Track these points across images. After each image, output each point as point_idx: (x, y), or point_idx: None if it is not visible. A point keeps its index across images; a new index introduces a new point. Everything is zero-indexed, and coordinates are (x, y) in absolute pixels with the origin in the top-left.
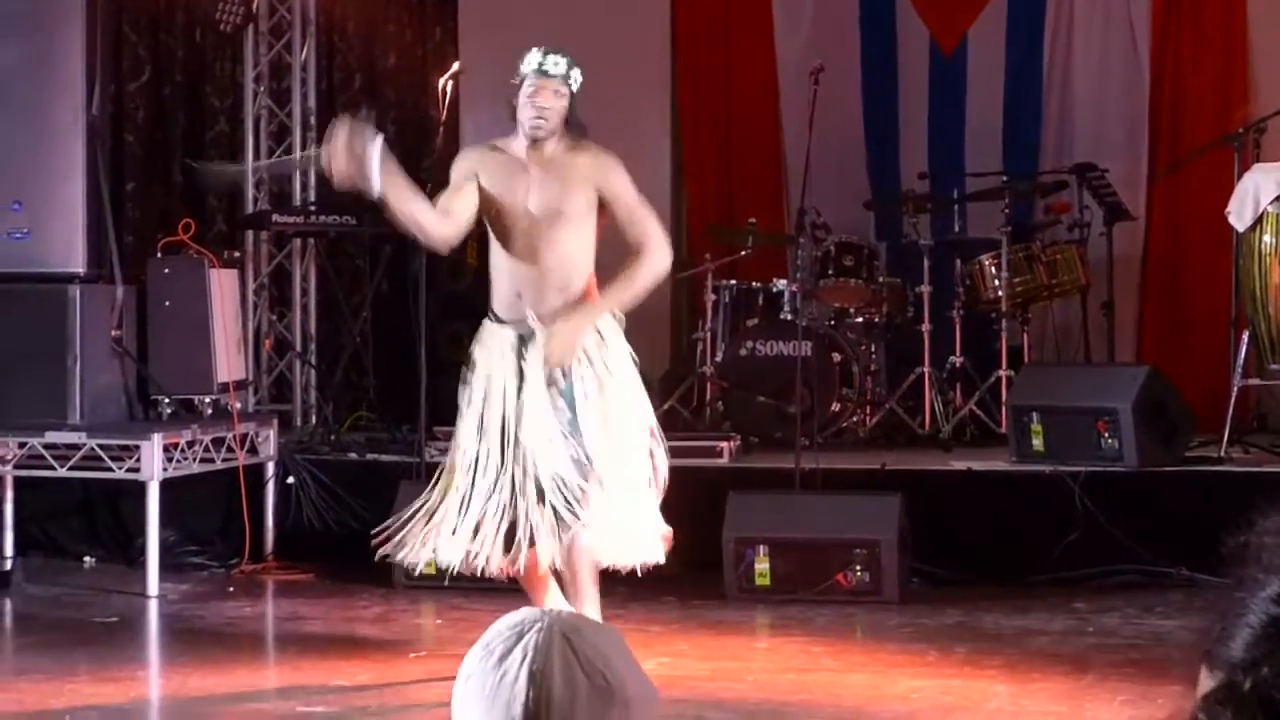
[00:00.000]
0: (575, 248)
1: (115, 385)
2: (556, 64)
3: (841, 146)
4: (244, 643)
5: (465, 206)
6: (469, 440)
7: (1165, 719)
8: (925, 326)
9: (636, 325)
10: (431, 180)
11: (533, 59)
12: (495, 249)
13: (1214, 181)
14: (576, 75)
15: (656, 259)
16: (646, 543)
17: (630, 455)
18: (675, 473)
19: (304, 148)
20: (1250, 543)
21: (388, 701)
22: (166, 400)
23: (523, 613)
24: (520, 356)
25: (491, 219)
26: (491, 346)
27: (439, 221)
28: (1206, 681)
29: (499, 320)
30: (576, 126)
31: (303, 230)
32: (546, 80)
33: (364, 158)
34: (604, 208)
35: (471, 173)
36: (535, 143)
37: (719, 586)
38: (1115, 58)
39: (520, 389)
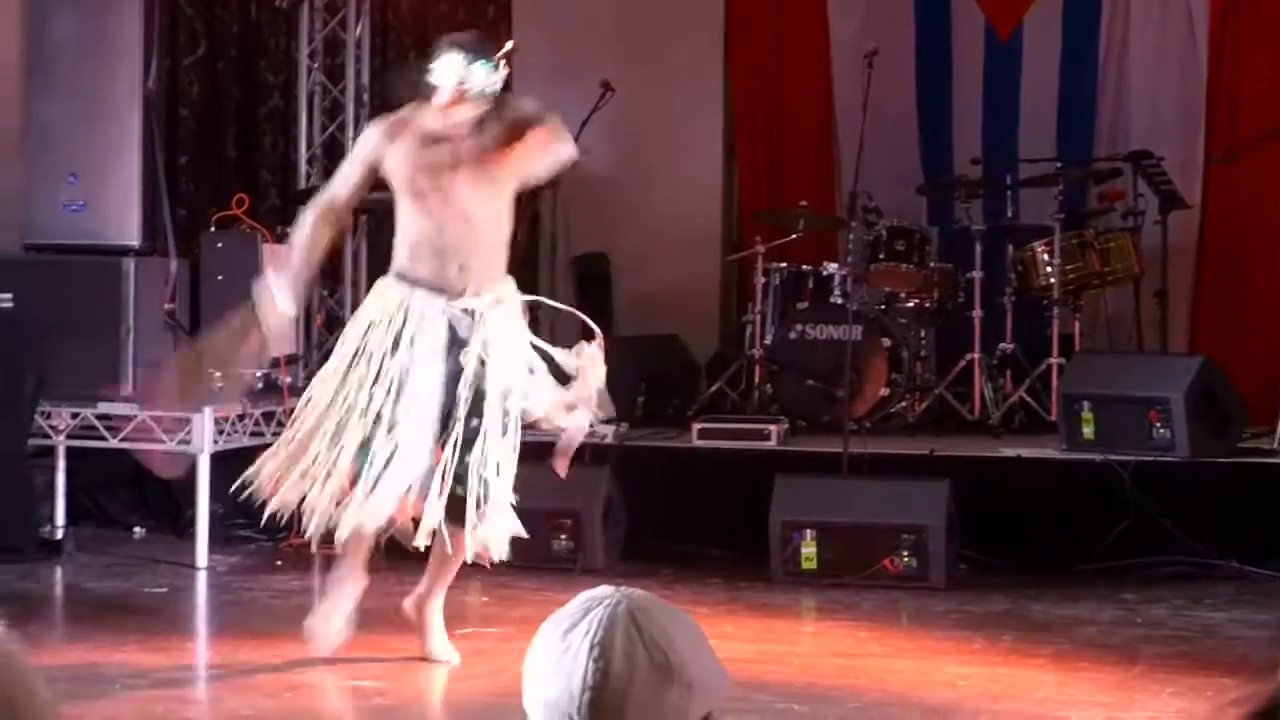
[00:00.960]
0: (501, 211)
1: (168, 358)
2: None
3: (894, 130)
4: (292, 615)
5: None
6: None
7: (1242, 698)
8: (976, 312)
9: (685, 307)
10: None
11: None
12: (412, 222)
13: (1271, 170)
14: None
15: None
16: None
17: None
18: (723, 455)
19: (357, 125)
20: None
21: (434, 676)
22: (217, 374)
23: (596, 590)
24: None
25: (411, 192)
26: (408, 307)
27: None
28: None
29: (417, 283)
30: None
31: (354, 206)
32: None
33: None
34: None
35: (376, 155)
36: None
37: (765, 569)
38: (1172, 44)
39: (449, 355)
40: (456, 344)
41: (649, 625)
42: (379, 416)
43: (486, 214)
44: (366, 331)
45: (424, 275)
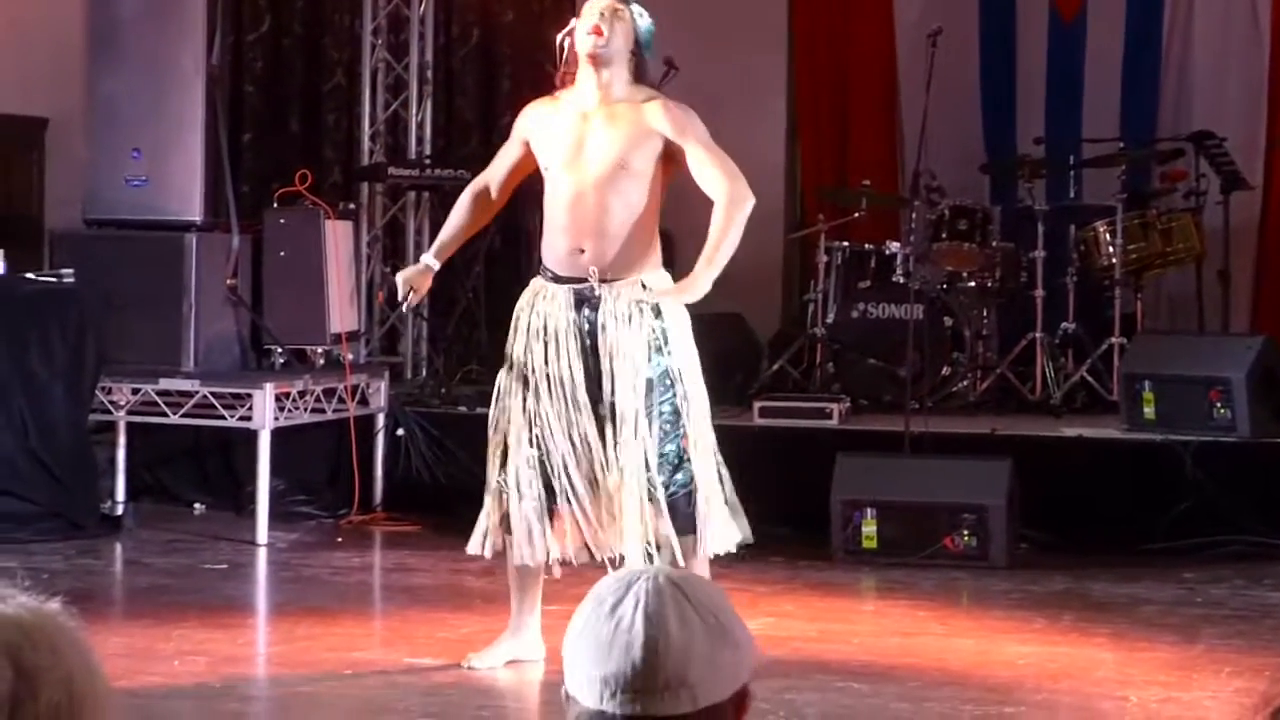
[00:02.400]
0: (640, 202)
1: (229, 334)
2: None
3: (957, 110)
4: (351, 593)
5: (506, 175)
6: (520, 405)
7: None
8: (1038, 292)
9: (748, 285)
10: None
11: None
12: (552, 202)
13: None
14: (638, 8)
15: (742, 197)
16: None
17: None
18: (785, 433)
19: (420, 102)
20: None
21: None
22: (279, 350)
23: (627, 568)
24: (582, 318)
25: (549, 172)
26: (542, 306)
27: (483, 209)
28: None
29: (554, 278)
30: (646, 77)
31: (417, 183)
32: (602, 4)
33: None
34: (671, 162)
35: (521, 137)
36: (599, 85)
37: (826, 548)
38: (1235, 25)
39: (585, 351)
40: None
41: (693, 592)
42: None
43: (624, 199)
44: (513, 339)
45: (551, 262)
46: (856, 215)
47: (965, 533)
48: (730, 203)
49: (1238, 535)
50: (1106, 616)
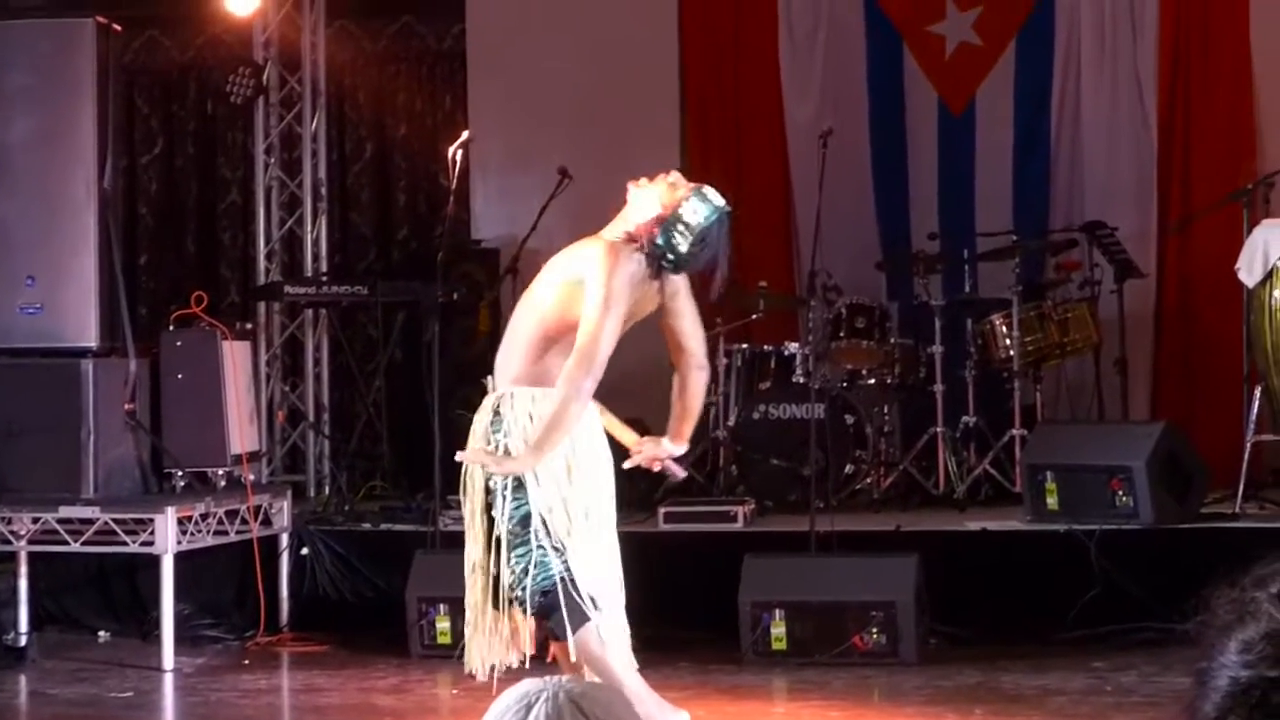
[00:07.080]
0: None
1: (129, 459)
2: None
3: (851, 208)
4: (260, 715)
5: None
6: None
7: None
8: (938, 387)
9: (649, 391)
10: (443, 248)
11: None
12: None
13: (1223, 237)
14: None
15: None
16: None
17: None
18: (691, 538)
19: (315, 219)
20: (1209, 615)
21: None
22: (180, 473)
23: (526, 685)
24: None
25: None
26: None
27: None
28: None
29: None
30: None
31: (315, 300)
32: None
33: None
34: None
35: None
36: None
37: (735, 650)
38: (1123, 114)
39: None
40: None
41: (593, 708)
42: None
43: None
44: None
45: None
46: (754, 317)
47: (875, 630)
48: None
49: (1145, 622)
50: (1018, 709)
